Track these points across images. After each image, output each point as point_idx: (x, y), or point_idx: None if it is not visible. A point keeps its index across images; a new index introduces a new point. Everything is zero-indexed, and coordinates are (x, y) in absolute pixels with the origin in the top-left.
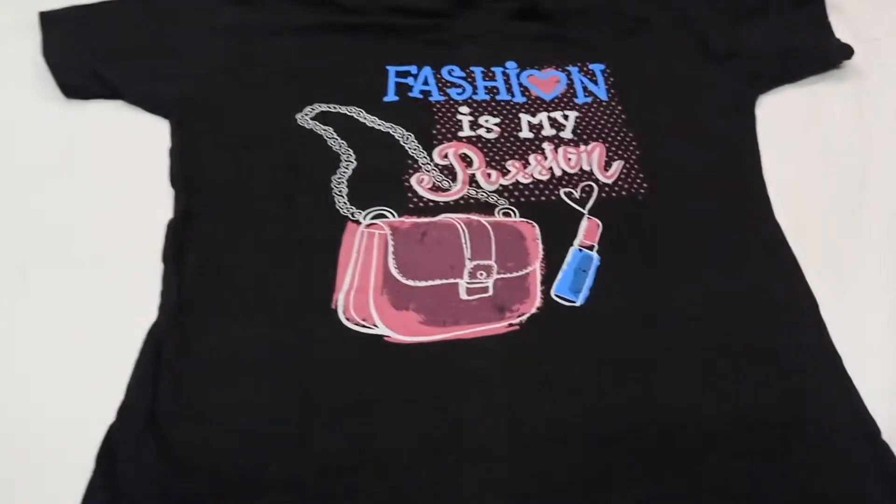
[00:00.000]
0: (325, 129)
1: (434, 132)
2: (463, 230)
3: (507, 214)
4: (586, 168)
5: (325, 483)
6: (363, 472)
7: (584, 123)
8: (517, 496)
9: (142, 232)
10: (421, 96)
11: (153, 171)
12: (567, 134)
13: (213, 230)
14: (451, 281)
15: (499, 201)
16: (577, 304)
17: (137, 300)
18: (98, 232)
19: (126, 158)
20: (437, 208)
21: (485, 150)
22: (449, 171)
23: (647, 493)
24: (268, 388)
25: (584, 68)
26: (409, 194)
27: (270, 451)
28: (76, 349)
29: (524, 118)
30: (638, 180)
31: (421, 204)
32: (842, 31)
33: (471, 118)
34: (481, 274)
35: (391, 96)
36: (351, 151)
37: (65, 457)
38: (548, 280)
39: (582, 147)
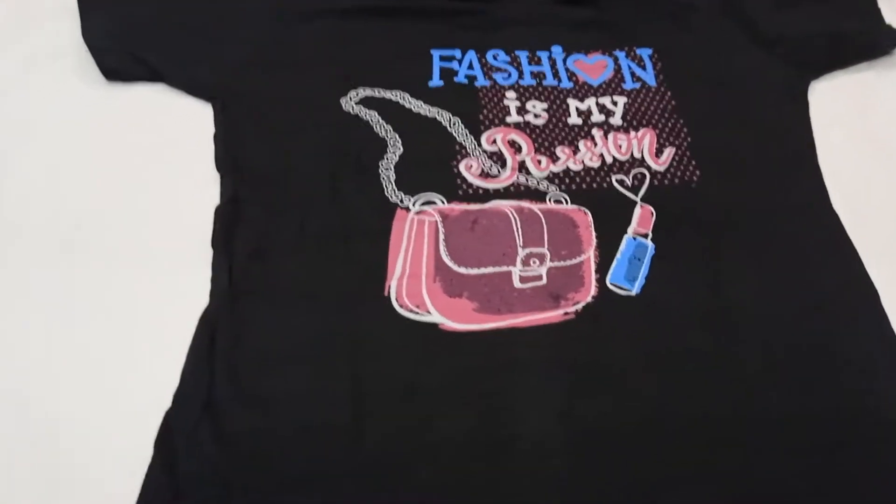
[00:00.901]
0: (370, 115)
1: (481, 117)
2: (514, 218)
3: (558, 202)
4: (637, 155)
5: (381, 473)
6: (419, 463)
7: (633, 109)
8: (574, 488)
9: (189, 217)
10: (466, 81)
11: (198, 155)
12: (616, 120)
13: (260, 216)
14: (504, 269)
15: (549, 188)
16: (633, 292)
17: (187, 285)
18: (144, 217)
19: (170, 142)
20: (487, 195)
21: (533, 136)
22: (498, 158)
23: (703, 487)
24: (322, 377)
25: (632, 53)
26: (458, 181)
27: (326, 441)
28: (127, 335)
29: (572, 104)
30: (691, 168)
31: (470, 191)
32: (893, 18)
33: (518, 103)
34: (534, 262)
35: (436, 81)
36: (397, 137)
37: (122, 443)
38: (602, 268)
39: (632, 133)
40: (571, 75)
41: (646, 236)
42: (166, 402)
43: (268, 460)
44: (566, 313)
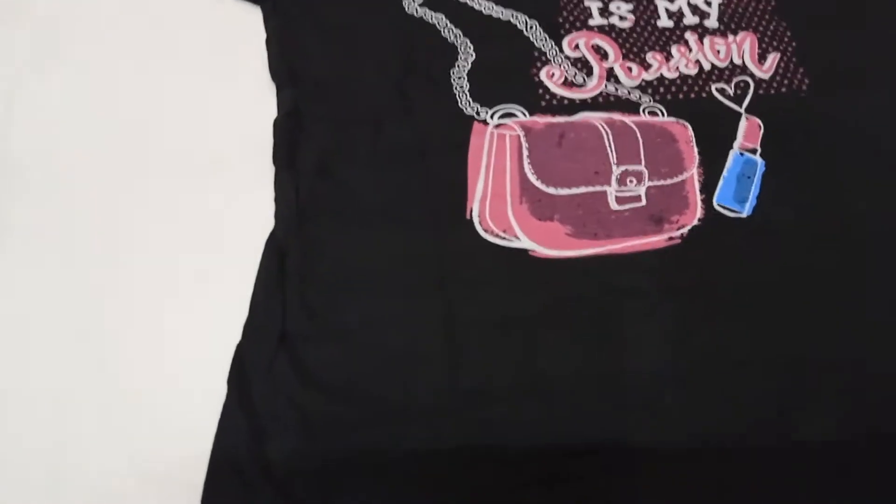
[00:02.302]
0: (436, 17)
1: (560, 20)
2: (606, 131)
3: (653, 114)
4: (737, 61)
5: (478, 408)
6: (520, 397)
7: (729, 11)
8: (690, 421)
9: (243, 131)
10: None
11: (247, 62)
12: (712, 22)
13: (325, 130)
14: (598, 188)
15: (642, 98)
16: (744, 214)
17: (247, 207)
18: (193, 131)
19: (215, 48)
20: (573, 106)
21: (619, 40)
22: (582, 65)
23: (831, 424)
24: (407, 304)
25: None
26: (540, 90)
27: (418, 373)
28: (185, 264)
29: (661, 4)
30: (798, 75)
31: (554, 101)
32: None
33: (600, 4)
34: (631, 181)
35: None
36: (468, 42)
37: (192, 378)
38: (707, 188)
39: (730, 37)
40: None
41: (754, 151)
42: (235, 335)
43: (353, 395)
44: (671, 238)
